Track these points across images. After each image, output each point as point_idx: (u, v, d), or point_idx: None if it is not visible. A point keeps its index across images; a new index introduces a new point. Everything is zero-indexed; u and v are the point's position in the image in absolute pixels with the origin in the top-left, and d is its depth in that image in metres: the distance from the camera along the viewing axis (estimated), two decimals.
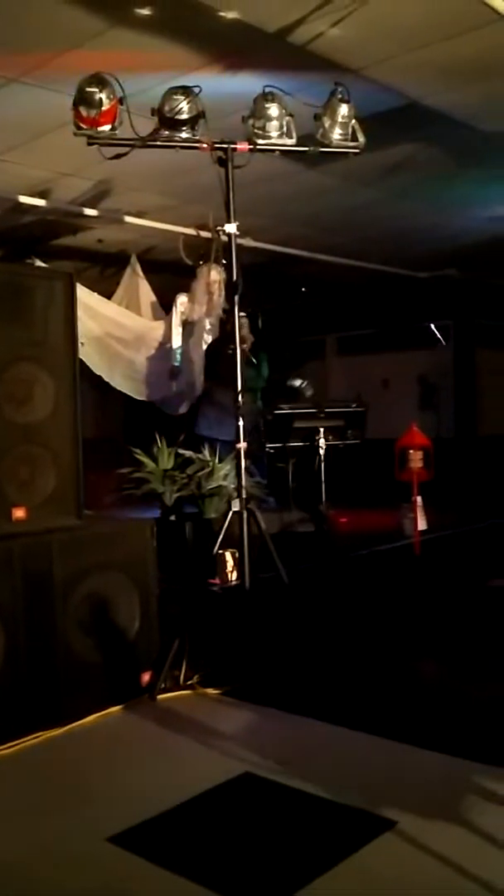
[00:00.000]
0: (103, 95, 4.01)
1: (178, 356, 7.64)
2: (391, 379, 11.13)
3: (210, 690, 3.79)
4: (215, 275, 7.07)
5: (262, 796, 2.86)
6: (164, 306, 7.99)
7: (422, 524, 5.83)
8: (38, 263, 6.84)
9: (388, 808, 2.65)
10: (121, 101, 4.08)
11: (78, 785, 2.99)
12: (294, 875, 2.34)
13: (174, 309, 7.64)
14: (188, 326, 7.69)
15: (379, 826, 2.57)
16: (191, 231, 7.13)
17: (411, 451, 5.57)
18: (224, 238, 4.54)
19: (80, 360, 6.99)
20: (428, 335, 10.96)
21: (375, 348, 11.39)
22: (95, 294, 7.56)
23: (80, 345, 6.99)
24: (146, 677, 3.75)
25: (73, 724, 3.42)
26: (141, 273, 8.00)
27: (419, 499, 5.75)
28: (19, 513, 3.46)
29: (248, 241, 7.29)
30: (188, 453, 5.40)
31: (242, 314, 4.65)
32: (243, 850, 2.52)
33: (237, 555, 4.21)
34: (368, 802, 2.70)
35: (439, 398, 10.82)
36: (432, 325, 10.89)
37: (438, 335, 10.92)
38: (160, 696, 3.72)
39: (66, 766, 3.15)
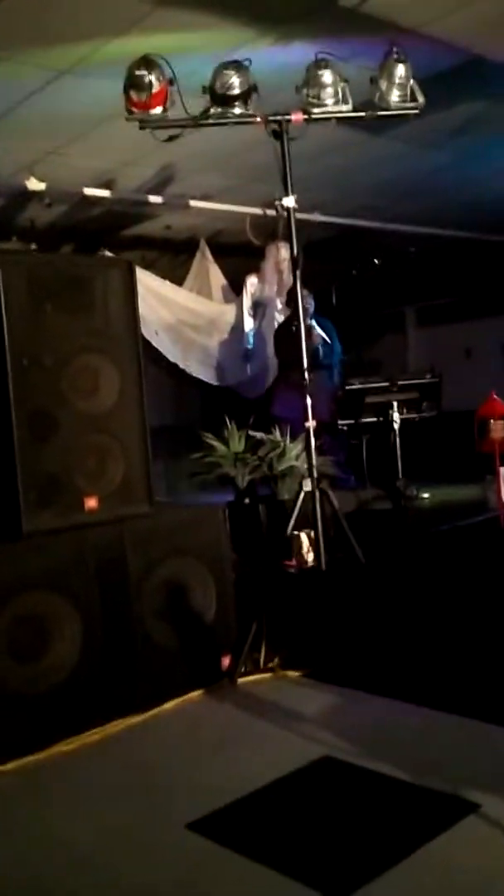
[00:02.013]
0: (153, 77, 3.97)
1: (251, 338, 7.62)
2: (473, 348, 10.80)
3: (291, 672, 3.77)
4: (284, 252, 6.99)
5: (341, 780, 2.81)
6: (236, 289, 7.96)
7: None
8: (108, 255, 6.89)
9: (471, 791, 2.57)
10: (171, 82, 4.03)
11: (158, 771, 3.01)
12: (373, 862, 2.28)
13: (244, 290, 7.62)
14: (260, 307, 7.65)
15: (462, 809, 2.49)
16: (257, 210, 7.05)
17: (492, 421, 5.36)
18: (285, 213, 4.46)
19: (155, 349, 7.12)
20: None
21: (456, 317, 11.06)
22: (167, 282, 7.61)
23: (154, 334, 7.11)
24: (226, 661, 3.75)
25: (154, 710, 3.44)
26: (210, 257, 7.99)
27: (503, 469, 5.54)
28: (91, 502, 3.47)
29: (316, 216, 7.16)
30: (259, 435, 5.36)
31: (307, 293, 4.56)
32: (321, 837, 2.48)
33: (312, 535, 4.15)
34: (451, 785, 2.63)
35: None
36: None
37: None
38: (241, 680, 3.72)
39: (146, 753, 3.17)
